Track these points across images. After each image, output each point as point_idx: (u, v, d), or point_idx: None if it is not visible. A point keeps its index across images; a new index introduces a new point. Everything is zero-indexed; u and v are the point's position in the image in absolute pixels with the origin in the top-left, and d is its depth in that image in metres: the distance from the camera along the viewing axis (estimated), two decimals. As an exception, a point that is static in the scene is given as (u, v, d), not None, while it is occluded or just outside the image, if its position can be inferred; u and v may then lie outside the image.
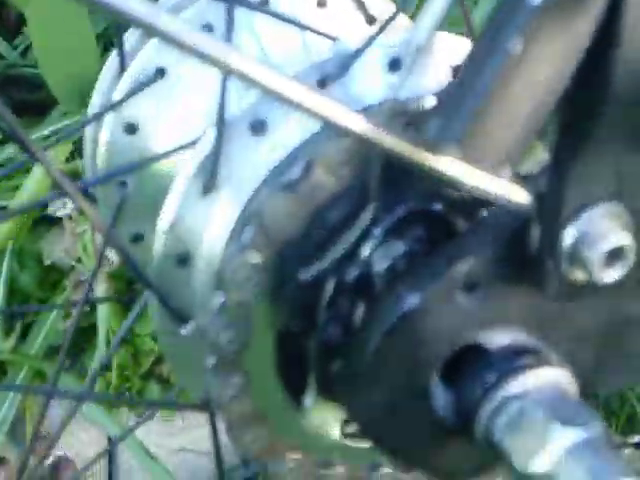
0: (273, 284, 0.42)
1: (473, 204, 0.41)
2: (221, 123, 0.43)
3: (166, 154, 0.49)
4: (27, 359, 1.12)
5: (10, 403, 1.08)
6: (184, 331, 0.47)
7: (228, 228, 0.44)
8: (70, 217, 1.21)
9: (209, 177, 0.44)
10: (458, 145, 0.29)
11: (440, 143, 0.29)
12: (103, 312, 1.18)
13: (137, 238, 0.59)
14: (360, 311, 0.41)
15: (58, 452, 1.16)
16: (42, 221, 1.26)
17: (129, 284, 1.26)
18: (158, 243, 0.46)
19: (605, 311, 0.41)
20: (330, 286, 0.43)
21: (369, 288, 0.41)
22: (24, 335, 1.19)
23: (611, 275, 0.36)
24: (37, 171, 1.15)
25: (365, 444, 0.50)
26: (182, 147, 0.48)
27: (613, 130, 0.33)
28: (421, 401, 0.40)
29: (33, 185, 1.14)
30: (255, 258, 0.40)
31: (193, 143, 0.46)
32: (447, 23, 0.50)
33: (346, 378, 0.42)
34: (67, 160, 1.23)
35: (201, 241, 0.45)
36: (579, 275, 0.36)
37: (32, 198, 1.19)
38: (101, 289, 1.19)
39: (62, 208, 1.21)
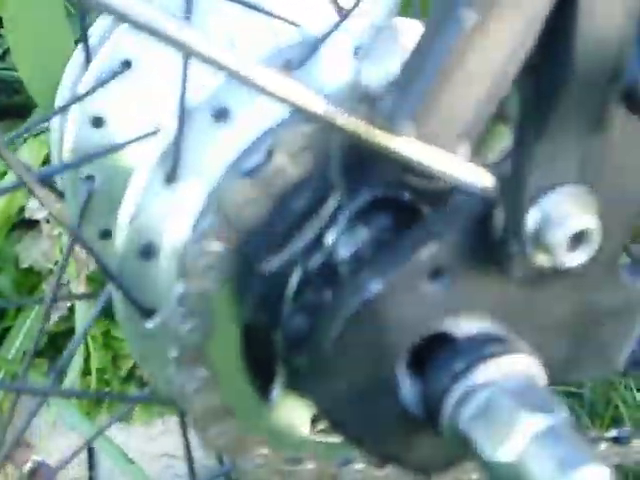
0: (236, 274, 0.42)
1: (440, 193, 0.40)
2: (182, 111, 0.42)
3: (127, 143, 0.49)
4: (4, 363, 1.11)
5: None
6: (149, 325, 0.46)
7: (192, 218, 0.43)
8: (47, 220, 1.20)
9: (171, 166, 0.43)
10: (413, 121, 0.29)
11: (394, 120, 0.29)
12: (81, 316, 1.17)
13: (106, 234, 0.58)
14: (325, 301, 0.40)
15: (37, 458, 1.15)
16: (19, 225, 1.25)
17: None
18: (120, 235, 0.45)
19: (574, 300, 0.40)
20: (295, 276, 0.42)
21: (334, 276, 0.41)
22: (1, 340, 1.18)
23: (575, 259, 0.35)
24: (12, 176, 1.14)
25: (335, 440, 0.50)
26: (145, 136, 0.48)
27: (576, 109, 0.33)
28: (388, 392, 0.39)
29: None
30: (216, 246, 0.39)
31: (156, 132, 0.45)
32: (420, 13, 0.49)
33: (312, 369, 0.41)
34: (43, 164, 1.22)
35: (164, 232, 0.44)
36: (544, 259, 0.35)
37: (7, 202, 1.18)
38: (79, 292, 1.18)
39: (39, 211, 1.20)
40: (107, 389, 1.15)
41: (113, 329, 1.19)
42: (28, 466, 1.11)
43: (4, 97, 1.55)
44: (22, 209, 1.23)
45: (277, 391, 0.46)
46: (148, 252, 0.45)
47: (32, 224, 1.24)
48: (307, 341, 0.42)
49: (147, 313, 0.46)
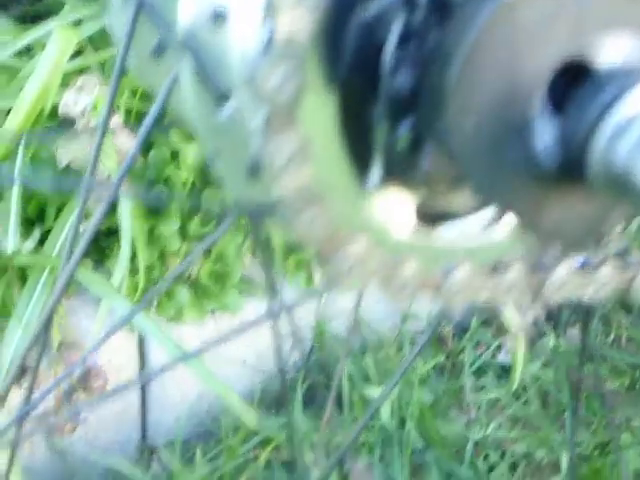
0: (329, 22, 0.35)
1: None
2: None
3: None
4: (48, 261, 1.06)
5: (34, 306, 1.03)
6: (224, 111, 0.40)
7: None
8: (83, 114, 1.14)
9: None
10: None
11: None
12: (126, 215, 1.12)
13: (159, 50, 0.52)
14: (439, 39, 0.34)
15: (88, 359, 1.11)
16: (54, 126, 1.20)
17: (150, 185, 1.20)
18: (186, 3, 0.39)
19: None
20: (399, 23, 0.35)
21: (446, 11, 0.34)
22: (42, 242, 1.14)
23: None
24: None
25: (439, 243, 0.44)
26: None
27: None
28: (522, 134, 0.33)
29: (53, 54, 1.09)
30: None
31: None
32: None
33: (427, 122, 0.35)
34: (72, 56, 1.16)
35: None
36: None
37: (39, 97, 1.12)
38: (122, 190, 1.13)
39: (74, 106, 1.14)
40: (155, 287, 1.11)
41: (159, 226, 1.14)
42: (80, 368, 1.08)
43: (26, 5, 1.49)
44: (56, 108, 1.17)
45: (375, 177, 0.40)
46: (220, 15, 0.38)
47: (68, 124, 1.19)
48: (415, 103, 0.36)
49: (221, 99, 0.41)
